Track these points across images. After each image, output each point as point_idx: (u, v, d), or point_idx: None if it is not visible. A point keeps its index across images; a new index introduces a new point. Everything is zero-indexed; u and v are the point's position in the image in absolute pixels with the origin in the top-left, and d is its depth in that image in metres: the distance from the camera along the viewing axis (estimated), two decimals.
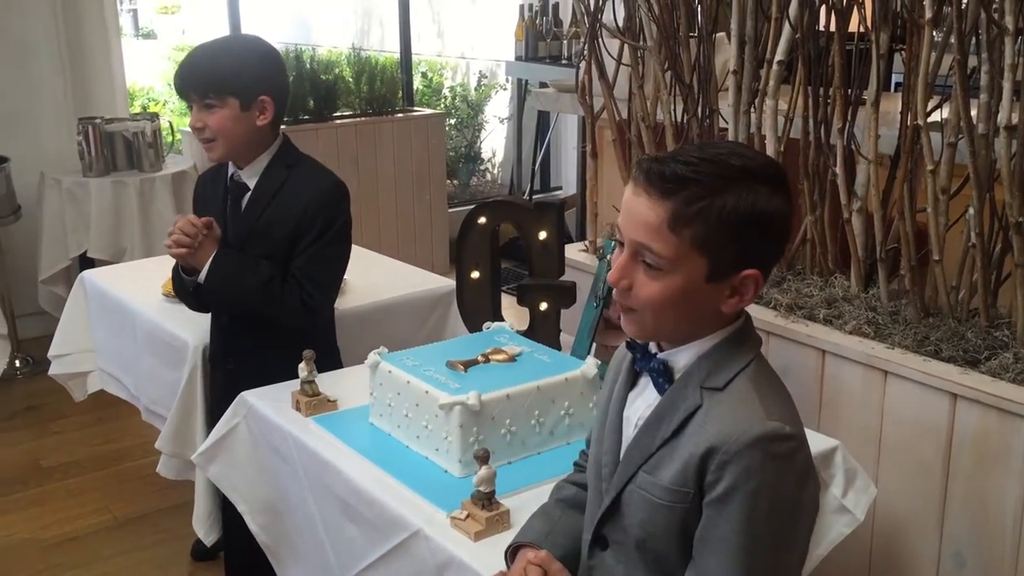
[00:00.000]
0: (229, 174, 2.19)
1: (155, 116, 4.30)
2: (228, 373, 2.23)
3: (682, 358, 1.24)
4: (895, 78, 3.74)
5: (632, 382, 1.32)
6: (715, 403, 1.19)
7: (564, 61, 5.44)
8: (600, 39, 2.60)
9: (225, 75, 2.06)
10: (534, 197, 5.82)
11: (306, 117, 4.79)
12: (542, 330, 2.19)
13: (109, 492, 3.22)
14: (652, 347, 1.28)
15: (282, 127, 2.21)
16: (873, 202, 2.15)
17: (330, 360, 2.22)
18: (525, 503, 1.55)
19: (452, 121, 6.54)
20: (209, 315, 2.32)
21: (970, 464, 1.90)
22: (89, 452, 3.49)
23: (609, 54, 2.63)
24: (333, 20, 8.13)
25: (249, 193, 2.16)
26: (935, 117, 2.02)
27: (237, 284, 2.10)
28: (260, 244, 2.13)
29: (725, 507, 1.16)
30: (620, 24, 2.60)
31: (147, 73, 7.57)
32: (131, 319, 2.63)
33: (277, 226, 2.12)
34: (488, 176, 6.92)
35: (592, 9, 2.56)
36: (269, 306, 2.11)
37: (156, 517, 3.05)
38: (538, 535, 1.39)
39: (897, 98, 2.47)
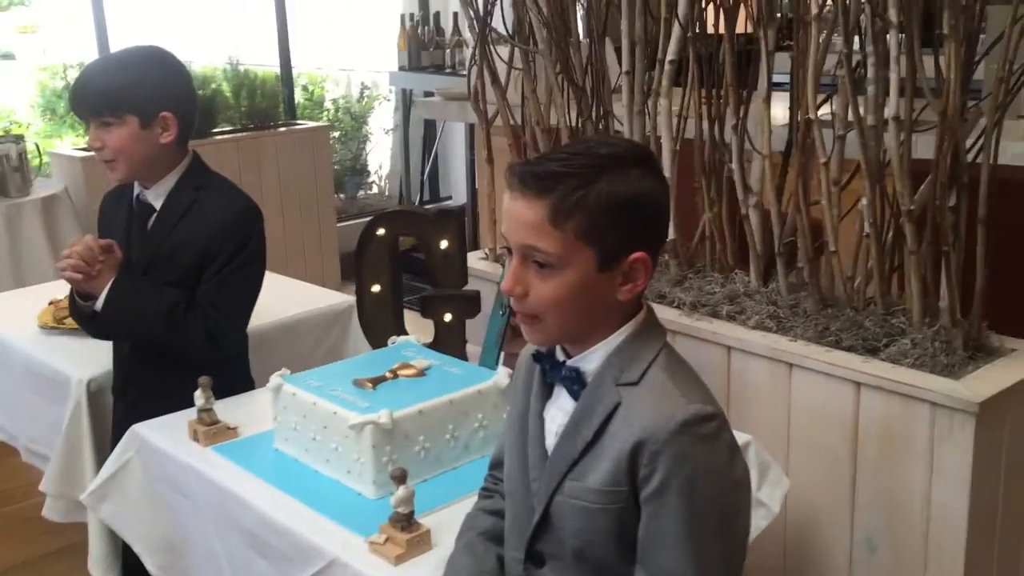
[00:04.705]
0: (135, 194, 2.06)
1: (20, 138, 4.07)
2: (130, 405, 2.09)
3: (592, 360, 1.23)
4: (775, 78, 3.83)
5: (547, 393, 1.30)
6: (634, 398, 1.19)
7: (448, 70, 5.41)
8: (490, 44, 2.57)
9: (121, 90, 1.94)
10: (425, 207, 5.77)
11: None
12: (448, 342, 2.14)
13: None
14: (559, 355, 1.27)
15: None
16: (768, 197, 2.18)
17: (245, 387, 2.12)
18: (445, 521, 1.50)
19: (336, 134, 6.42)
20: (99, 345, 2.17)
21: (876, 450, 1.94)
22: None
23: (500, 58, 2.60)
24: (207, 34, 7.89)
25: (155, 215, 2.04)
26: (823, 111, 2.06)
27: (137, 312, 1.97)
28: (165, 269, 2.01)
29: (664, 498, 1.15)
30: (510, 28, 2.58)
31: (8, 95, 7.19)
32: (6, 354, 2.47)
33: (184, 250, 2.00)
34: (376, 189, 6.83)
35: (481, 14, 2.53)
36: (172, 335, 1.98)
37: (42, 563, 2.86)
38: None
39: (782, 96, 2.52)
